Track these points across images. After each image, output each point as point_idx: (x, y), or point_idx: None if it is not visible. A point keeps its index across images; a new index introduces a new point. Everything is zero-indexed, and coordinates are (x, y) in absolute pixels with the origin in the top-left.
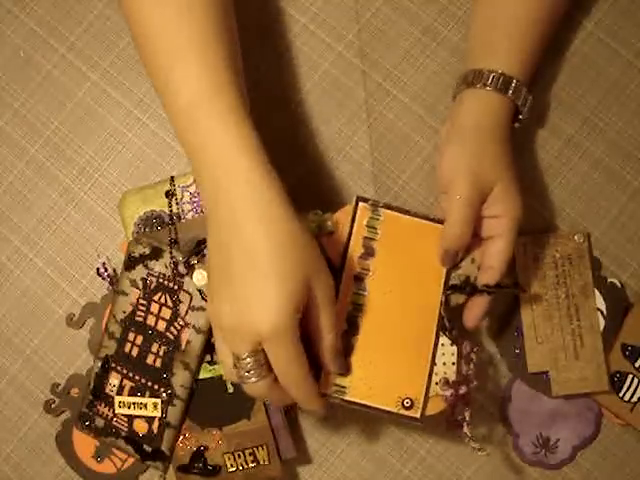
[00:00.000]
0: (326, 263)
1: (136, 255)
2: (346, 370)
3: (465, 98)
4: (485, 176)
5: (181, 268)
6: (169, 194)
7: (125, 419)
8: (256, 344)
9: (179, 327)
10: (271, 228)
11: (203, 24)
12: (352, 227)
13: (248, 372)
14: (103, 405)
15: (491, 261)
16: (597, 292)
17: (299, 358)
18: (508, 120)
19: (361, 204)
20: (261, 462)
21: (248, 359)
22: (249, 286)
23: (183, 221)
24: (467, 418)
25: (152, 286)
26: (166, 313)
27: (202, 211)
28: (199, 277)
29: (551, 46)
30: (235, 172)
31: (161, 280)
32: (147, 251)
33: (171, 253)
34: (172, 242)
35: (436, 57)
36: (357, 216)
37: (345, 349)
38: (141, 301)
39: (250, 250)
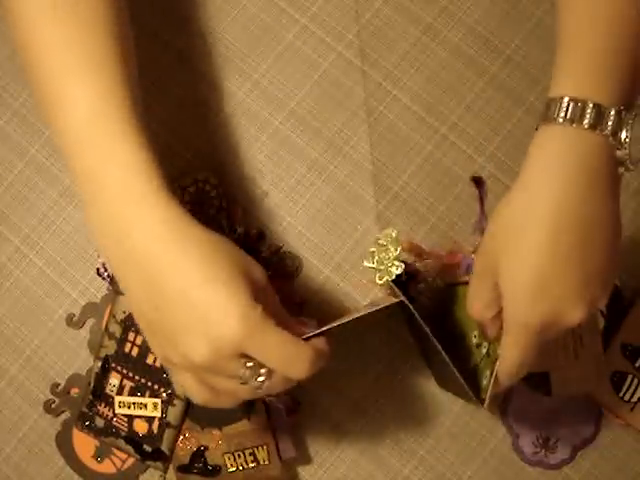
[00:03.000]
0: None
1: None
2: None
3: (535, 137)
4: (491, 259)
5: None
6: None
7: (125, 419)
8: (240, 352)
9: None
10: (186, 245)
11: (95, 41)
12: None
13: (258, 377)
14: (103, 405)
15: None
16: None
17: (287, 336)
18: (588, 169)
19: None
20: (261, 462)
21: (247, 367)
22: (198, 308)
23: None
24: None
25: None
26: None
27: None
28: None
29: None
30: (137, 202)
31: None
32: None
33: None
34: None
35: (436, 57)
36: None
37: None
38: None
39: (179, 277)
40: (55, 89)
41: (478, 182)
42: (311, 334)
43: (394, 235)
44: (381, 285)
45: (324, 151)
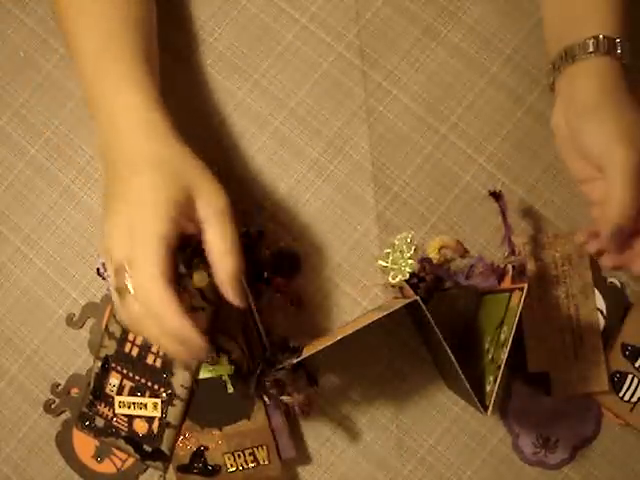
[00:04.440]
0: (214, 183)
1: None
2: (244, 301)
3: (573, 76)
4: (636, 136)
5: (181, 268)
6: None
7: (125, 419)
8: (120, 264)
9: None
10: (151, 143)
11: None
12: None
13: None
14: (103, 405)
15: None
16: (597, 292)
17: (162, 276)
18: (623, 79)
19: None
20: (261, 462)
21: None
22: (130, 198)
23: None
24: None
25: None
26: None
27: None
28: (199, 277)
29: None
30: (126, 101)
31: None
32: None
33: None
34: None
35: (436, 57)
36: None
37: None
38: None
39: (132, 163)
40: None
41: (497, 196)
42: (323, 346)
43: (409, 239)
44: (393, 286)
45: (324, 151)
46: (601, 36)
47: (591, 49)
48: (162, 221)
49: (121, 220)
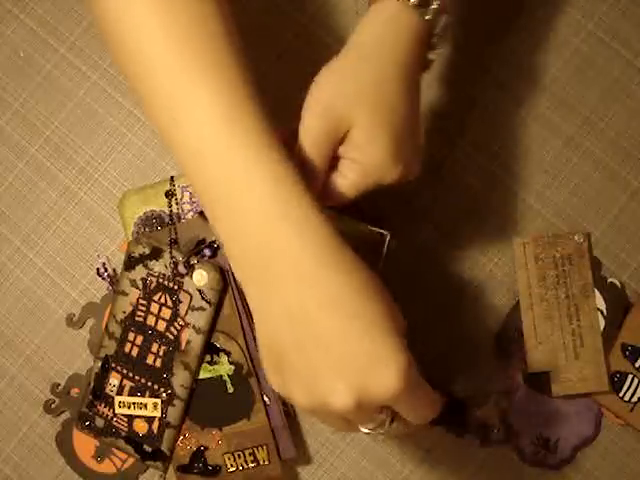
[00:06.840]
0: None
1: (136, 255)
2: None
3: (368, 12)
4: (340, 112)
5: (181, 268)
6: (169, 194)
7: (125, 419)
8: (387, 405)
9: (179, 327)
10: (353, 276)
11: (206, 38)
12: None
13: (385, 424)
14: (103, 405)
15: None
16: (597, 292)
17: (431, 391)
18: (415, 44)
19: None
20: (261, 462)
21: (379, 418)
22: (352, 353)
23: (183, 221)
24: None
25: (152, 286)
26: (166, 313)
27: (202, 211)
28: (199, 277)
29: (551, 46)
30: (279, 222)
31: (161, 280)
32: (147, 251)
33: (171, 253)
34: (172, 242)
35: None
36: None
37: None
38: (141, 301)
39: (336, 317)
40: (167, 103)
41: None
42: None
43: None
44: None
45: None
46: None
47: None
48: (408, 366)
49: (345, 389)
